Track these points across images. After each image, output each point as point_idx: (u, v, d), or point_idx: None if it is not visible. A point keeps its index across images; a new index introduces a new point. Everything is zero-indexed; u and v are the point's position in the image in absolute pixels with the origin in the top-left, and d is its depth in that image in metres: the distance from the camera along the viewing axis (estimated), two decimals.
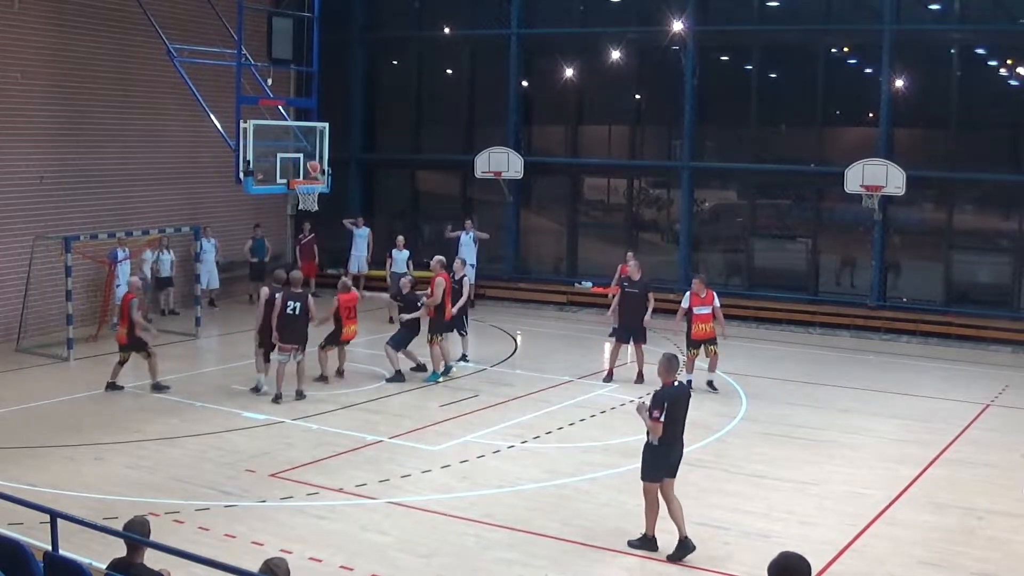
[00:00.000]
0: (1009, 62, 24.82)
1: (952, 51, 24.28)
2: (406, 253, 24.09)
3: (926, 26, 24.67)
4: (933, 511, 12.60)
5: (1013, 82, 25.27)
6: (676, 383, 11.21)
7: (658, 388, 11.06)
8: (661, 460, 10.97)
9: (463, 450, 14.46)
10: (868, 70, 25.58)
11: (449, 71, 30.20)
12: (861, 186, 23.20)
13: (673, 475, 11.13)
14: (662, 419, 10.74)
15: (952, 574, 10.76)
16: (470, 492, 12.96)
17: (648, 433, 10.94)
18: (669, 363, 11.16)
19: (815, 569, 10.63)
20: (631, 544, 11.15)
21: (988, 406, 17.68)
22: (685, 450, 11.35)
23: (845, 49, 26.41)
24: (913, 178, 23.07)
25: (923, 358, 21.83)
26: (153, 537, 7.92)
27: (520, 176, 26.84)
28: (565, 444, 14.96)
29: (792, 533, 11.71)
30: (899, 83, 24.19)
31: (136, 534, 7.83)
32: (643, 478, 11.08)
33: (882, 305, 24.30)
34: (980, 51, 25.11)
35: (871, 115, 24.76)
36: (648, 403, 10.94)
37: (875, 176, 23.09)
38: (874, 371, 20.17)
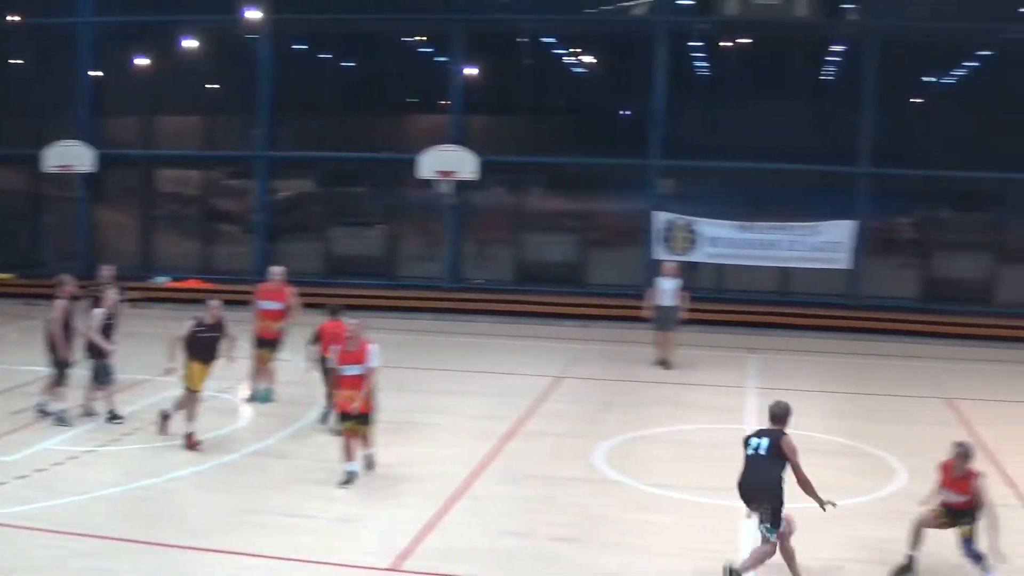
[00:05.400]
0: (575, 51, 26.24)
1: (521, 41, 25.37)
2: None
3: (496, 16, 25.59)
4: (512, 482, 13.09)
5: (578, 69, 26.73)
6: None
7: None
8: None
9: (40, 458, 13.51)
10: (442, 59, 26.24)
11: (20, 60, 28.23)
12: (436, 172, 23.84)
13: None
14: None
15: (533, 541, 11.18)
16: (51, 502, 12.16)
17: None
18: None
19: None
20: None
21: (561, 379, 18.59)
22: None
23: (420, 38, 26.95)
24: (487, 163, 23.96)
25: (495, 336, 22.70)
26: None
27: (91, 169, 25.55)
28: (146, 445, 14.36)
29: (378, 515, 11.78)
30: (471, 71, 24.99)
31: None
32: None
33: (458, 287, 25.10)
34: (548, 40, 26.35)
35: (444, 103, 25.43)
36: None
37: (449, 162, 23.80)
38: (453, 352, 20.75)
